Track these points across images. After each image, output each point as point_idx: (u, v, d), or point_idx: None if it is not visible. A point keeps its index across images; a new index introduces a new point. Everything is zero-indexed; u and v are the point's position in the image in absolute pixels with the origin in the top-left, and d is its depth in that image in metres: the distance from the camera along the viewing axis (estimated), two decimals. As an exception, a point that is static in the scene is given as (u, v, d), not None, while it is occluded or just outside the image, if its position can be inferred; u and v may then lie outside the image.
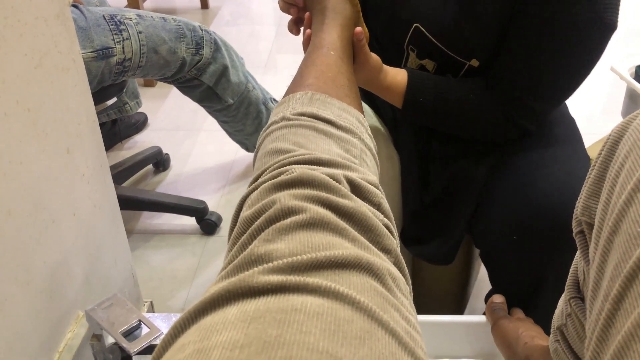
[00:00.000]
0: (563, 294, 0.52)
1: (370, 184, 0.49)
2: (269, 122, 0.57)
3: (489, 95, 0.84)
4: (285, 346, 0.30)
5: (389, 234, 0.45)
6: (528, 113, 0.83)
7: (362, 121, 0.60)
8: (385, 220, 0.46)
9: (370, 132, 0.61)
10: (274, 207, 0.42)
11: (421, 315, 0.91)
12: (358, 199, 0.45)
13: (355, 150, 0.54)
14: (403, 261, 0.45)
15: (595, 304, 0.36)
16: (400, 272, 0.43)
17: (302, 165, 0.47)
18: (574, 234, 0.46)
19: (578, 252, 0.47)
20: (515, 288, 0.90)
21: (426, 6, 0.85)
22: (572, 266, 0.51)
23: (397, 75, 0.84)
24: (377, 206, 0.47)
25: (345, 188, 0.45)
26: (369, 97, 0.97)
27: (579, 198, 0.45)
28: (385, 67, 0.83)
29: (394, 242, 0.45)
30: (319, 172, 0.45)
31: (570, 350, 0.52)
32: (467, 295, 1.16)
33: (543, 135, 0.89)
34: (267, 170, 0.48)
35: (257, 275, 0.35)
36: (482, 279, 1.19)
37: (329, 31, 0.70)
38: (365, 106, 0.95)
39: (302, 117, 0.55)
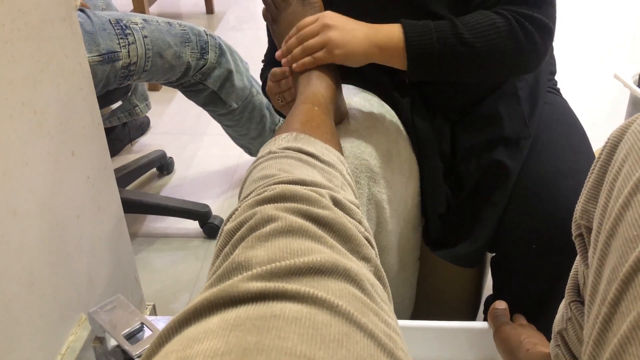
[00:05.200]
0: (564, 299, 0.52)
1: (352, 203, 0.50)
2: (256, 157, 0.61)
3: (489, 12, 0.83)
4: (264, 352, 0.31)
5: (368, 244, 0.46)
6: (528, 3, 0.82)
7: (343, 161, 0.64)
8: (366, 233, 0.48)
9: (350, 172, 0.64)
10: (255, 217, 0.44)
11: (423, 322, 0.91)
12: (338, 211, 0.47)
13: (337, 181, 0.56)
14: (382, 271, 0.46)
15: (593, 308, 0.36)
16: (379, 281, 0.43)
17: (286, 184, 0.49)
18: (573, 237, 0.46)
19: (578, 256, 0.47)
20: (524, 296, 0.90)
21: (391, 18, 0.86)
22: (572, 270, 0.51)
23: (393, 34, 0.83)
24: (358, 222, 0.49)
25: (326, 201, 0.47)
26: (388, 96, 0.97)
27: (578, 202, 0.45)
28: (376, 26, 0.83)
29: (373, 252, 0.46)
30: (301, 188, 0.47)
31: (571, 355, 0.52)
32: (480, 302, 1.16)
33: (566, 147, 0.90)
34: (253, 193, 0.50)
35: (237, 284, 0.36)
36: (487, 287, 1.19)
37: (313, 91, 0.77)
38: (385, 107, 0.95)
39: (287, 151, 0.58)
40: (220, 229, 0.49)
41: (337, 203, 0.48)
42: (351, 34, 0.81)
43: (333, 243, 0.42)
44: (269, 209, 0.44)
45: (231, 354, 0.31)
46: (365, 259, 0.44)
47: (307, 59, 0.80)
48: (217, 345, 0.32)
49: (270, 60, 1.03)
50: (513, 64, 0.85)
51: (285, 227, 0.42)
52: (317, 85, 0.78)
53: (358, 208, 0.51)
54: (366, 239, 0.46)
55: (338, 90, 0.82)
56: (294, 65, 0.81)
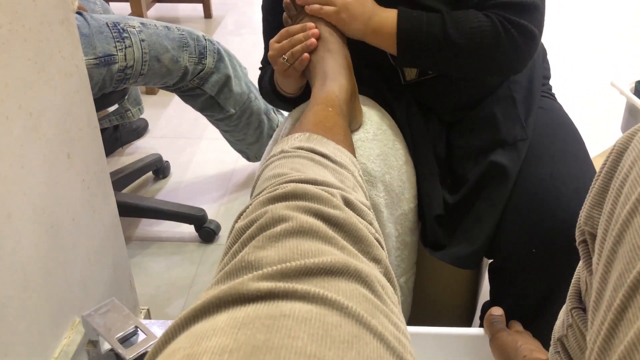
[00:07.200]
0: (564, 305, 0.52)
1: (364, 205, 0.50)
2: (269, 156, 0.61)
3: (479, 14, 0.87)
4: (273, 350, 0.31)
5: (379, 245, 0.46)
6: (515, 9, 0.86)
7: (355, 163, 0.65)
8: (377, 235, 0.48)
9: (362, 174, 0.65)
10: (265, 216, 0.44)
11: (420, 327, 0.90)
12: (349, 211, 0.47)
13: (349, 182, 0.57)
14: (392, 272, 0.46)
15: (598, 315, 0.35)
16: (389, 283, 0.43)
17: (297, 183, 0.48)
18: (577, 244, 0.46)
19: (581, 262, 0.47)
20: (521, 303, 0.90)
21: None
22: (574, 276, 0.50)
23: (388, 18, 0.88)
24: (369, 223, 0.49)
25: (338, 201, 0.46)
26: (384, 100, 0.97)
27: (582, 208, 0.45)
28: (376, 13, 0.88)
29: (384, 254, 0.46)
30: (312, 187, 0.47)
31: (571, 362, 0.52)
32: (476, 308, 1.15)
33: (563, 152, 0.90)
34: (264, 191, 0.50)
35: (247, 283, 0.36)
36: (484, 293, 1.18)
37: (327, 92, 0.78)
38: (382, 110, 0.95)
39: (300, 150, 0.58)
40: (231, 227, 0.49)
41: (348, 203, 0.48)
42: (362, 8, 0.87)
43: (344, 244, 0.42)
44: (280, 208, 0.44)
45: (240, 352, 0.30)
46: (375, 260, 0.44)
47: (315, 6, 0.87)
48: (226, 343, 0.31)
49: (268, 64, 1.03)
50: (494, 64, 0.89)
51: (296, 228, 0.41)
52: (331, 87, 0.79)
53: (369, 209, 0.51)
54: (377, 240, 0.46)
55: (354, 95, 0.84)
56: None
